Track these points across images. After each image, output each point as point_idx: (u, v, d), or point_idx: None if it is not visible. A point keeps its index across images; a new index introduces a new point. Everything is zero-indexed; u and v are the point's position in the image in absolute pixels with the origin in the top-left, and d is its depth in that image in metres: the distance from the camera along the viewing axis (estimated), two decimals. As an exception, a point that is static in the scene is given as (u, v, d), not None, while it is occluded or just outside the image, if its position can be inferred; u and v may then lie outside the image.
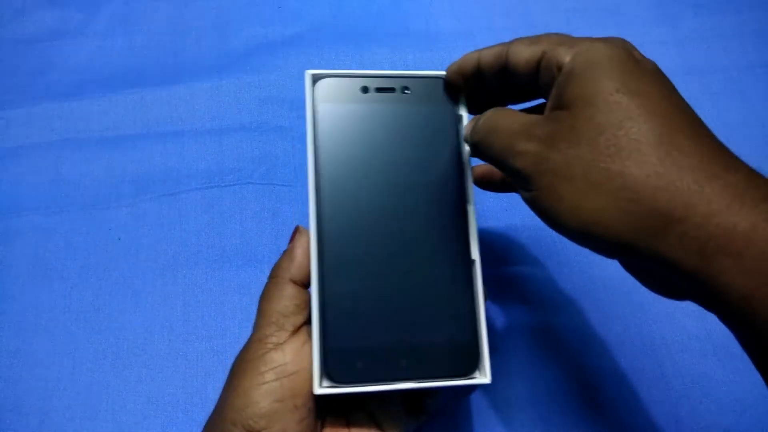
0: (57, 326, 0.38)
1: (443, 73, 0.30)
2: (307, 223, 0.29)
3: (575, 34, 0.25)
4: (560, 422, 0.37)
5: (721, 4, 0.50)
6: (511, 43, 0.26)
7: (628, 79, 0.22)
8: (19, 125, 0.44)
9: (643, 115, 0.21)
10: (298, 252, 0.28)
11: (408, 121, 0.30)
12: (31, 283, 0.39)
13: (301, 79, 0.46)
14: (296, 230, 0.29)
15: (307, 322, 0.28)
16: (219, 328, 0.39)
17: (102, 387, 0.37)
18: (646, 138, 0.21)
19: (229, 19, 0.48)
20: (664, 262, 0.21)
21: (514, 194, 0.35)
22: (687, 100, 0.23)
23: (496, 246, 0.41)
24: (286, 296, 0.27)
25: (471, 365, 0.28)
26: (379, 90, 0.30)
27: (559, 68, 0.24)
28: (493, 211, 0.42)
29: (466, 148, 0.30)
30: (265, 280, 0.29)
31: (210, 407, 0.28)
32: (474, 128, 0.27)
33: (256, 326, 0.27)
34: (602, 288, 0.40)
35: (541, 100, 0.29)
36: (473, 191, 0.30)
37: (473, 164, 0.31)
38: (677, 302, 0.40)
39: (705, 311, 0.21)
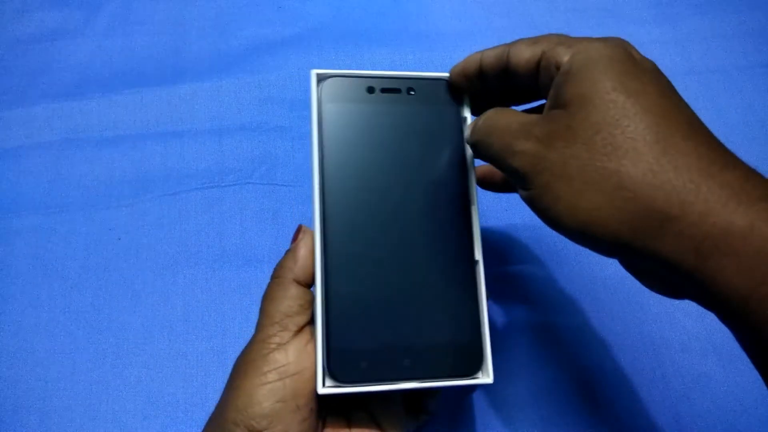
0: (57, 326, 0.38)
1: (448, 74, 0.30)
2: (309, 222, 0.29)
3: (575, 35, 0.25)
4: (560, 422, 0.37)
5: (721, 4, 0.50)
6: (512, 43, 0.26)
7: (625, 79, 0.22)
8: (19, 125, 0.44)
9: (639, 114, 0.21)
10: (302, 252, 0.28)
11: (412, 122, 0.30)
12: (31, 283, 0.39)
13: (301, 78, 0.46)
14: (299, 229, 0.29)
15: (310, 322, 0.28)
16: (219, 328, 0.39)
17: (102, 387, 0.37)
18: (642, 136, 0.21)
19: (229, 19, 0.48)
20: (661, 261, 0.21)
21: (514, 194, 0.35)
22: (687, 100, 0.23)
23: (496, 246, 0.41)
24: (290, 296, 0.27)
25: (474, 365, 0.28)
26: (385, 90, 0.30)
27: (558, 68, 0.24)
28: (494, 210, 0.42)
29: (470, 149, 0.30)
30: (265, 280, 0.29)
31: (210, 407, 0.28)
32: (474, 128, 0.27)
33: (259, 326, 0.27)
34: (602, 288, 0.40)
35: (543, 101, 0.29)
36: (477, 192, 0.30)
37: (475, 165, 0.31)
38: (677, 302, 0.40)
39: (705, 311, 0.21)
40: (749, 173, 0.21)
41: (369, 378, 0.26)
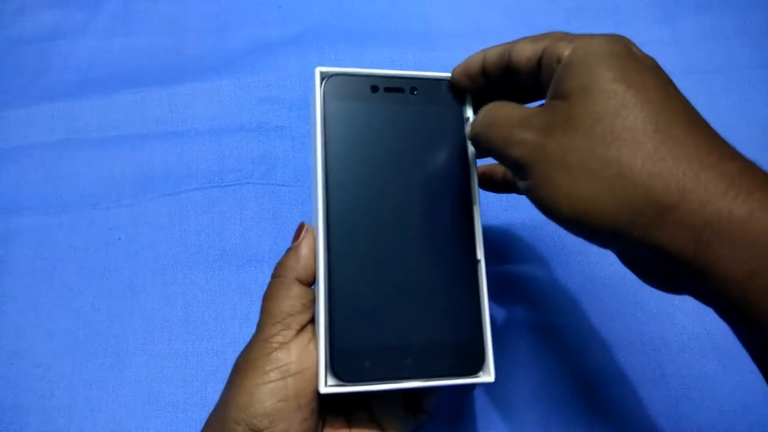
0: (57, 326, 0.38)
1: (450, 75, 0.30)
2: (309, 221, 0.29)
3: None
4: (560, 422, 0.37)
5: (722, 3, 0.50)
6: (515, 41, 0.27)
7: (625, 71, 0.22)
8: (19, 125, 0.44)
9: (639, 105, 0.21)
10: (304, 251, 0.28)
11: (415, 122, 0.30)
12: (31, 283, 0.39)
13: (301, 78, 0.46)
14: (302, 227, 0.29)
15: (312, 321, 0.28)
16: (219, 328, 0.39)
17: (102, 387, 0.37)
18: (642, 126, 0.21)
19: (229, 19, 0.48)
20: (659, 251, 0.21)
21: (514, 195, 0.35)
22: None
23: (496, 246, 0.41)
24: (293, 295, 0.27)
25: (476, 364, 0.28)
26: (388, 90, 0.30)
27: (559, 62, 0.24)
28: (494, 210, 0.42)
29: (472, 149, 0.30)
30: (265, 280, 0.29)
31: (210, 407, 0.28)
32: (474, 121, 0.27)
33: (261, 325, 0.27)
34: (602, 288, 0.40)
35: (544, 102, 0.30)
36: (478, 192, 0.30)
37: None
38: (677, 302, 0.40)
39: (705, 311, 0.21)
40: (748, 164, 0.21)
41: (372, 377, 0.26)
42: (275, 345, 0.26)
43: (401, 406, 0.30)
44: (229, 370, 0.28)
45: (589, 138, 0.22)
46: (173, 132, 0.44)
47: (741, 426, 0.37)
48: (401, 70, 0.31)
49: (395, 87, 0.30)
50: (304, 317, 0.27)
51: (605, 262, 0.40)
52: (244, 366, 0.27)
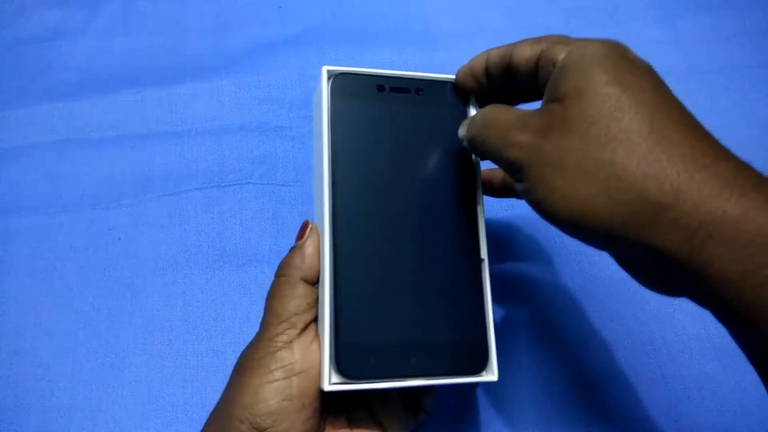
0: (57, 326, 0.38)
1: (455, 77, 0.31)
2: (311, 220, 0.29)
3: (574, 35, 0.26)
4: (560, 421, 0.37)
5: (722, 3, 0.50)
6: (516, 43, 0.27)
7: (620, 74, 0.23)
8: (19, 125, 0.44)
9: (634, 107, 0.22)
10: (310, 250, 0.28)
11: (420, 122, 0.30)
12: (31, 283, 0.39)
13: (302, 78, 0.46)
14: (306, 226, 0.29)
15: (315, 320, 0.28)
16: (219, 328, 0.39)
17: (102, 387, 0.37)
18: (636, 128, 0.21)
19: (229, 19, 0.48)
20: (655, 252, 0.21)
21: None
22: (687, 100, 0.23)
23: (497, 246, 0.41)
24: (298, 295, 0.27)
25: (479, 363, 0.28)
26: (394, 90, 0.30)
27: (555, 65, 0.24)
28: (494, 210, 0.42)
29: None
30: (265, 280, 0.29)
31: (210, 407, 0.28)
32: (471, 123, 0.27)
33: (266, 324, 0.27)
34: (602, 288, 0.40)
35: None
36: (482, 192, 0.31)
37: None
38: (677, 302, 0.40)
39: (704, 311, 0.21)
40: (742, 165, 0.21)
41: (377, 375, 0.26)
42: (280, 344, 0.26)
43: (401, 405, 0.30)
44: (229, 370, 0.28)
45: (584, 140, 0.22)
46: (173, 132, 0.44)
47: (741, 426, 0.37)
48: (401, 70, 0.31)
49: (401, 87, 0.30)
50: (308, 316, 0.27)
51: (605, 263, 0.40)
52: (248, 365, 0.27)
